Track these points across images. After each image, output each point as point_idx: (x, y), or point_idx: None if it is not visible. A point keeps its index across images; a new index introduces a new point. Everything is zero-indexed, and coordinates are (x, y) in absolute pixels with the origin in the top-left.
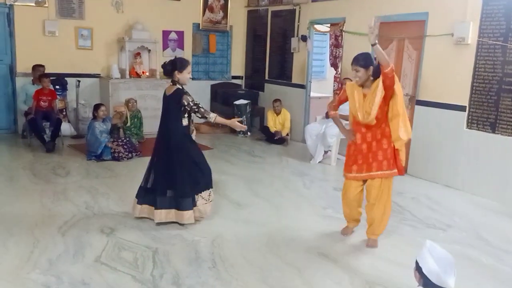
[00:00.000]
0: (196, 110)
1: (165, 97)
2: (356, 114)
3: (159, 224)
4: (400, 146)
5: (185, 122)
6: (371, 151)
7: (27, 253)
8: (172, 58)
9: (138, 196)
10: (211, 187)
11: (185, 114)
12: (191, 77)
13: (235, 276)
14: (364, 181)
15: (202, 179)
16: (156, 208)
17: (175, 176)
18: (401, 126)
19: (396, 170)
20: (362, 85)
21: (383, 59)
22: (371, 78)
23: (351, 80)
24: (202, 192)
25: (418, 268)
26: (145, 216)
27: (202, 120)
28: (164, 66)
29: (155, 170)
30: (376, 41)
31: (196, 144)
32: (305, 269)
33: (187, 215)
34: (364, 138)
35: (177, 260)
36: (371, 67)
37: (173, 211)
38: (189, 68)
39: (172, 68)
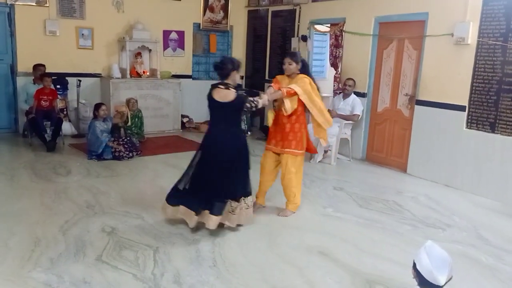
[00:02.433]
0: (254, 107)
1: (218, 103)
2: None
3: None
4: (318, 134)
5: (242, 125)
6: (286, 132)
7: (28, 252)
8: (230, 57)
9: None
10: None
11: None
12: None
13: (236, 275)
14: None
15: (240, 188)
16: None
17: (227, 181)
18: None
19: (303, 151)
20: (289, 76)
21: (277, 95)
22: (298, 72)
23: (354, 80)
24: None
25: (413, 265)
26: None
27: (203, 119)
28: (223, 65)
29: (203, 175)
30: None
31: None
32: (305, 268)
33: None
34: (288, 119)
35: (178, 259)
36: (300, 63)
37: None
38: None
39: (232, 67)
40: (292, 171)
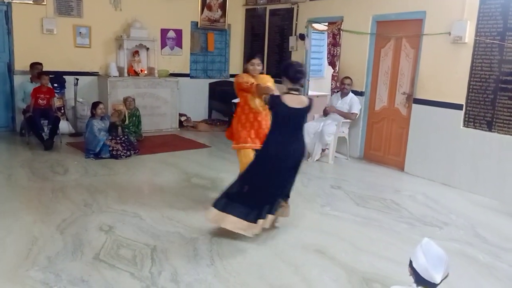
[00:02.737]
0: None
1: (293, 109)
2: (251, 98)
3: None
4: None
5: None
6: (262, 129)
7: (26, 251)
8: (298, 62)
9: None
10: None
11: None
12: None
13: (233, 273)
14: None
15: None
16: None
17: (291, 183)
18: None
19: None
20: (254, 76)
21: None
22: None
23: (351, 79)
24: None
25: (410, 263)
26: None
27: (201, 118)
28: (304, 70)
29: (272, 182)
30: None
31: None
32: (302, 267)
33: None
34: (262, 116)
35: (175, 257)
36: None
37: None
38: None
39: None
40: None
